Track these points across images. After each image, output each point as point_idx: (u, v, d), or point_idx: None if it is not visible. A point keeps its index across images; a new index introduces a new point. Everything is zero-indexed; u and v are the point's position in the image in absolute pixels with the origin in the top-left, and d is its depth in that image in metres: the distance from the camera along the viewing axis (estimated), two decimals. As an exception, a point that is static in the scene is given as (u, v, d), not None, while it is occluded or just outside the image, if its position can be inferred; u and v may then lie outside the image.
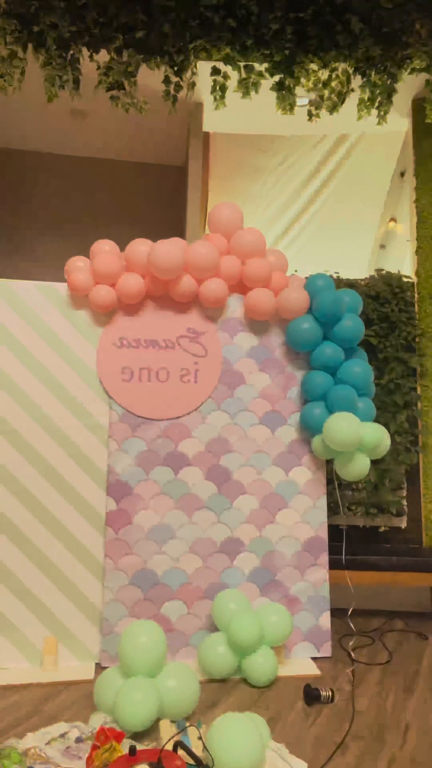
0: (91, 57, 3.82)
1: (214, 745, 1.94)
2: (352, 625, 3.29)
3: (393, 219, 5.33)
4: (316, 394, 3.13)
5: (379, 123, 4.13)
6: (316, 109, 4.10)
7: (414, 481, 4.06)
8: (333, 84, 4.02)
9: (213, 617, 2.92)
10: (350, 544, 3.44)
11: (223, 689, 2.71)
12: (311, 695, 2.56)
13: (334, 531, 3.46)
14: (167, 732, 2.17)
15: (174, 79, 3.91)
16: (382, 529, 3.95)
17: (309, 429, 3.18)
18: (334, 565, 3.28)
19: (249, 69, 3.92)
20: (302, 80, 3.96)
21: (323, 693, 2.56)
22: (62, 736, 2.16)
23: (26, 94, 4.05)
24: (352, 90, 4.04)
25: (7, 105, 4.76)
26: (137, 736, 2.22)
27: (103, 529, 3.00)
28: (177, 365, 3.15)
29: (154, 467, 3.07)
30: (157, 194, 5.82)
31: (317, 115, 4.11)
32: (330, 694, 2.56)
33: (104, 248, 3.13)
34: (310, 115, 4.11)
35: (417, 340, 4.13)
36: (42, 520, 2.95)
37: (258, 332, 3.26)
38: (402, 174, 5.14)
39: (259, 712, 2.34)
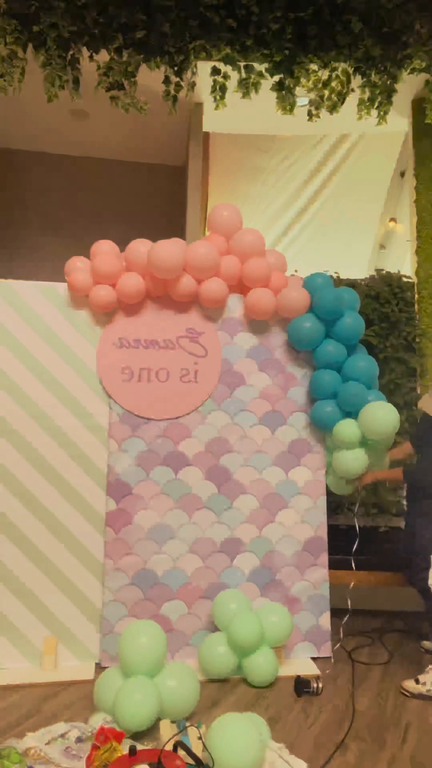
0: (91, 57, 3.82)
1: (212, 745, 1.93)
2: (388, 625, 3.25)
3: (393, 219, 5.33)
4: (326, 393, 3.13)
5: (379, 123, 4.13)
6: (316, 109, 4.10)
7: (414, 481, 4.05)
8: (333, 84, 4.02)
9: (213, 617, 2.92)
10: (350, 544, 3.43)
11: (223, 689, 2.71)
12: (301, 684, 2.62)
13: (334, 531, 3.46)
14: (167, 732, 2.17)
15: (174, 79, 3.92)
16: (382, 529, 3.94)
17: (321, 427, 3.18)
18: (335, 565, 3.28)
19: (249, 69, 3.92)
20: (302, 80, 3.96)
21: (313, 684, 2.62)
22: (62, 736, 2.16)
23: (26, 94, 4.05)
24: (352, 90, 4.04)
25: (7, 105, 4.76)
26: (137, 736, 2.21)
27: (103, 529, 3.00)
28: (177, 365, 3.14)
29: (154, 467, 3.07)
30: (157, 194, 5.82)
31: (317, 115, 4.11)
32: (318, 685, 2.62)
33: (104, 248, 3.13)
34: (310, 115, 4.11)
35: (417, 340, 4.13)
36: (42, 520, 2.95)
37: (258, 332, 3.26)
38: (402, 174, 5.14)
39: (259, 712, 2.34)
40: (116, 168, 5.83)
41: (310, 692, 2.62)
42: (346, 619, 3.18)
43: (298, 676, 2.70)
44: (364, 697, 2.64)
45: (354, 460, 3.04)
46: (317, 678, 2.69)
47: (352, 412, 3.08)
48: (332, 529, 3.32)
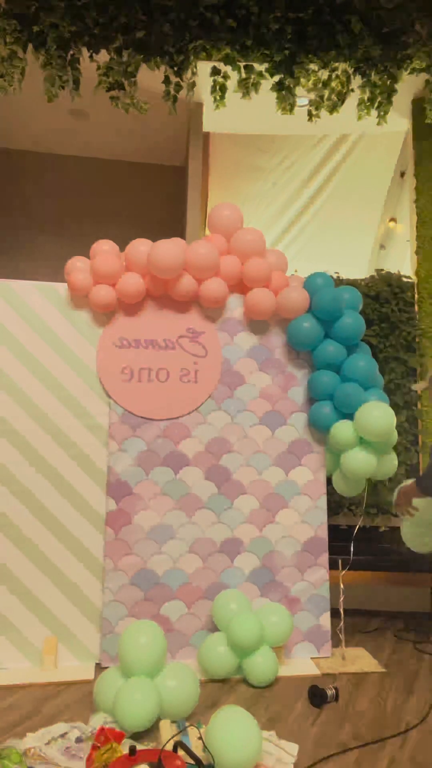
0: (91, 57, 3.82)
1: (213, 740, 1.94)
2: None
3: (393, 219, 5.33)
4: (324, 394, 3.13)
5: (379, 123, 4.13)
6: (316, 109, 4.10)
7: (414, 481, 4.05)
8: (333, 84, 4.02)
9: (213, 617, 2.92)
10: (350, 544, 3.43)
11: (223, 689, 2.71)
12: (317, 696, 2.55)
13: (334, 531, 3.46)
14: (167, 732, 2.17)
15: (174, 79, 3.92)
16: (382, 529, 3.94)
17: (319, 428, 3.18)
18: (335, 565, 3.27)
19: (249, 69, 3.92)
20: (302, 80, 3.96)
21: (329, 692, 2.55)
22: (62, 736, 2.16)
23: (26, 94, 4.04)
24: (352, 90, 4.04)
25: (7, 105, 4.76)
26: (137, 736, 2.22)
27: (103, 529, 3.00)
28: (177, 365, 3.14)
29: (154, 467, 3.07)
30: (157, 194, 5.82)
31: (317, 115, 4.11)
32: (334, 692, 2.56)
33: (104, 248, 3.13)
34: (310, 115, 4.11)
35: (417, 340, 4.13)
36: (42, 520, 2.95)
37: (258, 332, 3.26)
38: (402, 174, 5.14)
39: (259, 712, 2.34)
40: (116, 168, 5.83)
41: (328, 701, 2.55)
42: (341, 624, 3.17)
43: (314, 686, 2.60)
44: (364, 697, 2.64)
45: (363, 460, 3.02)
46: (330, 687, 2.60)
47: (349, 413, 3.07)
48: (332, 529, 3.32)
